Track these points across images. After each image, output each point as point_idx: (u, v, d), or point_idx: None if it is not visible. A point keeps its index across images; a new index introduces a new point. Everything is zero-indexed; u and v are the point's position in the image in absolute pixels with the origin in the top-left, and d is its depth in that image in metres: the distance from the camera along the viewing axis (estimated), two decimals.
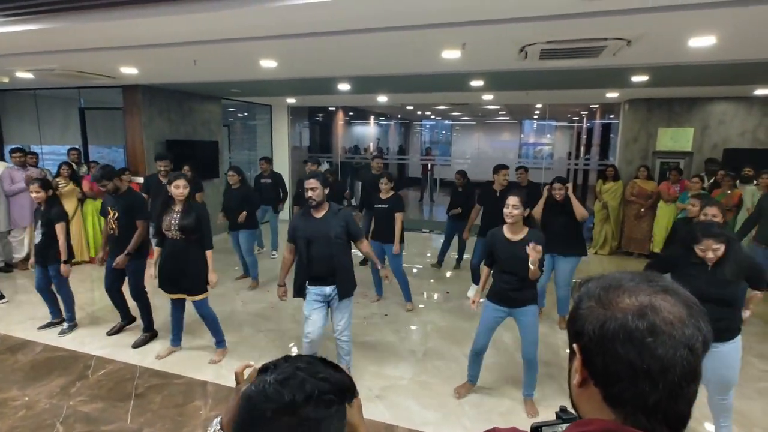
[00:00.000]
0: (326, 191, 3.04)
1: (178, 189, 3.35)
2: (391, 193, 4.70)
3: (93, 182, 5.45)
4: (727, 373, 2.44)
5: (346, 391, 0.76)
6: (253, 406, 0.71)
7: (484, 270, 3.12)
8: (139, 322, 4.02)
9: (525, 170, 5.44)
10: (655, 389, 0.58)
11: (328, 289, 3.07)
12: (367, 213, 5.79)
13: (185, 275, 3.42)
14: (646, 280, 0.63)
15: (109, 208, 3.79)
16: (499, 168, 4.82)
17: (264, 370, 0.76)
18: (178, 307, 3.61)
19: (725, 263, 2.36)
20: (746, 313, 2.51)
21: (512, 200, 2.81)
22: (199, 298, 3.49)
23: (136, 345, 3.82)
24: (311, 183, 2.98)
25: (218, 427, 0.89)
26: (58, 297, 4.12)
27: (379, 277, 4.90)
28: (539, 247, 2.65)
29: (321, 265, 3.02)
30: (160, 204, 3.48)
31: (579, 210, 3.95)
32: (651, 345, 0.57)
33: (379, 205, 4.69)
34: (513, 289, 2.89)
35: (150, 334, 3.95)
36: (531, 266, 2.69)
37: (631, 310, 0.60)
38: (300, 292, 3.13)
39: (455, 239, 6.03)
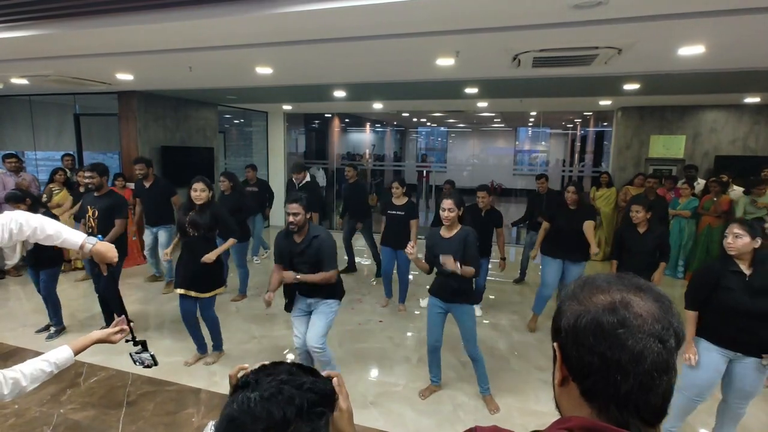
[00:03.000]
0: (308, 216, 2.96)
1: (196, 192, 3.40)
2: (405, 199, 4.73)
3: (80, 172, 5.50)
4: (759, 382, 2.38)
5: (332, 397, 0.76)
6: (240, 427, 0.67)
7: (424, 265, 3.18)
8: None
9: (546, 179, 5.53)
10: (627, 379, 0.60)
11: (311, 300, 3.09)
12: (350, 221, 5.80)
13: (197, 272, 3.42)
14: (619, 279, 0.67)
15: (89, 207, 3.81)
16: (479, 188, 4.62)
17: (244, 385, 0.72)
18: (186, 307, 3.47)
19: (762, 269, 2.24)
20: None
21: (447, 203, 2.93)
22: (206, 295, 3.46)
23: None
24: (293, 208, 2.88)
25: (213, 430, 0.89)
26: (45, 304, 4.07)
27: (391, 280, 4.96)
28: (450, 259, 2.80)
29: (307, 284, 3.01)
30: (182, 205, 3.57)
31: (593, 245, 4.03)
32: (621, 336, 0.60)
33: (394, 212, 4.71)
34: (448, 285, 2.98)
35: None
36: (458, 273, 2.82)
37: (603, 305, 0.63)
38: (290, 307, 3.15)
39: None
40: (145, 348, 1.82)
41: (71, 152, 6.83)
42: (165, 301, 4.94)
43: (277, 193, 9.19)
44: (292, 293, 3.12)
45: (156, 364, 1.88)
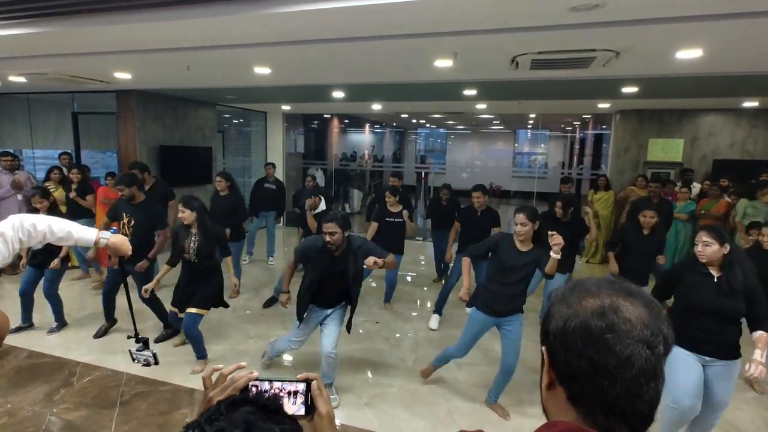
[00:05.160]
0: (346, 234, 2.92)
1: (180, 213, 3.40)
2: (400, 207, 4.75)
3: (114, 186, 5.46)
4: (727, 392, 2.36)
5: None
6: None
7: (466, 262, 3.11)
8: (119, 326, 4.14)
9: (572, 183, 5.47)
10: (614, 385, 0.59)
11: (329, 311, 3.11)
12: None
13: (195, 293, 3.44)
14: (609, 284, 0.66)
15: (124, 213, 3.86)
16: (474, 189, 4.67)
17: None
18: (175, 319, 3.60)
19: (731, 271, 2.27)
20: (757, 353, 2.13)
21: (519, 218, 2.80)
22: (193, 311, 3.43)
23: (158, 340, 3.95)
24: (330, 227, 2.84)
25: None
26: (48, 302, 4.15)
27: (387, 286, 4.98)
28: (559, 237, 2.64)
29: (332, 298, 3.07)
30: (177, 227, 3.53)
31: (593, 231, 4.17)
32: (609, 341, 0.59)
33: (391, 219, 4.73)
34: (507, 297, 2.89)
35: (171, 330, 4.02)
36: (553, 255, 2.66)
37: (592, 309, 0.62)
38: (302, 317, 3.12)
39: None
40: (146, 346, 1.77)
41: (68, 150, 6.82)
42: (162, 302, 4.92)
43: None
44: (306, 304, 3.09)
45: (157, 363, 1.83)
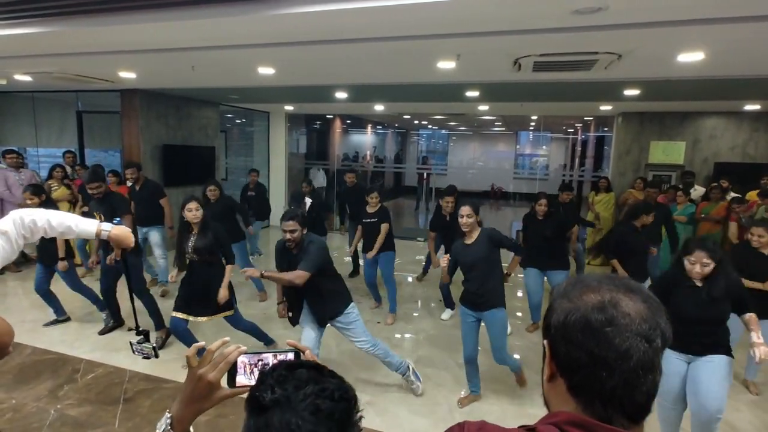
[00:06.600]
0: (305, 231, 2.95)
1: (191, 212, 3.35)
2: (379, 206, 4.75)
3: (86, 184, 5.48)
4: (716, 389, 2.30)
5: (356, 398, 0.74)
6: None
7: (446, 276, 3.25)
8: (129, 324, 4.01)
9: (570, 190, 5.37)
10: (612, 376, 0.61)
11: (324, 314, 3.11)
12: (351, 225, 5.84)
13: (209, 297, 3.36)
14: (609, 279, 0.68)
15: (95, 213, 3.85)
16: (443, 194, 4.74)
17: (274, 403, 0.66)
18: (177, 325, 3.40)
19: (715, 281, 2.31)
20: (754, 336, 2.26)
21: (465, 210, 2.91)
22: (229, 313, 3.50)
23: (158, 348, 3.91)
24: (289, 225, 2.86)
25: (168, 425, 0.85)
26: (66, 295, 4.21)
27: (375, 286, 4.95)
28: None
29: (295, 300, 3.08)
30: (178, 228, 3.51)
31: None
32: (609, 334, 0.61)
33: (368, 219, 4.74)
34: (477, 291, 2.97)
35: (164, 331, 3.96)
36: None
37: (592, 303, 0.64)
38: (295, 321, 3.16)
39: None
40: (147, 339, 1.80)
41: (72, 149, 6.86)
42: (163, 299, 4.95)
43: (279, 194, 9.26)
44: (299, 305, 3.11)
45: (157, 356, 1.85)
